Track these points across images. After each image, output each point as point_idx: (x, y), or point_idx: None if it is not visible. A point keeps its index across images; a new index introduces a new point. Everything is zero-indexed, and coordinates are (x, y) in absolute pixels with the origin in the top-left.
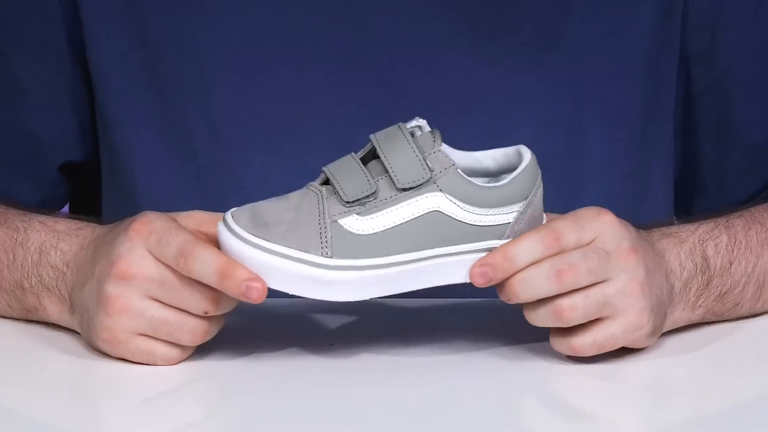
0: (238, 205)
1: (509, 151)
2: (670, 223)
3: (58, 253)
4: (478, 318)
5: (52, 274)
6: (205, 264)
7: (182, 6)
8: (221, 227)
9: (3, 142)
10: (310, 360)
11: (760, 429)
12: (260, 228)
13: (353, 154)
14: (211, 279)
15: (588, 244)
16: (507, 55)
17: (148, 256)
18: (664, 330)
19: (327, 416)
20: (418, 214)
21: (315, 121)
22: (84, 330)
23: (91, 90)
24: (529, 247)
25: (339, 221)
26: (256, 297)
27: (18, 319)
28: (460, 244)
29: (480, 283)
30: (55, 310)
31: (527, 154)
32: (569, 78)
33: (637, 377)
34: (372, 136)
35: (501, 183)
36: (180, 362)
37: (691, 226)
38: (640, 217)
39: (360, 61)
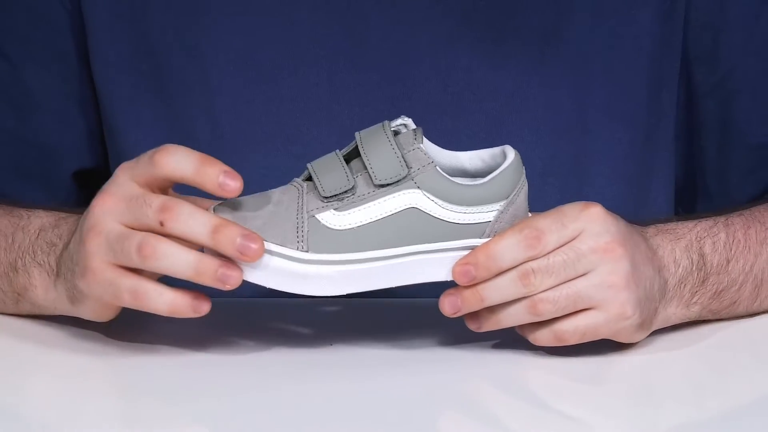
0: None
1: (495, 151)
2: (668, 220)
3: (56, 231)
4: None
5: (45, 249)
6: (180, 156)
7: (185, 11)
8: None
9: (16, 151)
10: (310, 360)
11: None
12: (239, 221)
13: (337, 150)
14: (187, 169)
15: (569, 241)
16: (509, 57)
17: (128, 181)
18: (657, 326)
19: (327, 415)
20: (395, 211)
21: (318, 123)
22: (68, 286)
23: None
24: (510, 247)
25: (316, 216)
26: (232, 189)
27: (12, 315)
28: (438, 241)
29: (463, 281)
30: (42, 288)
31: (511, 154)
32: (571, 80)
33: (628, 378)
34: (357, 134)
35: (481, 181)
36: (145, 305)
37: (689, 223)
38: (642, 219)
39: (362, 63)
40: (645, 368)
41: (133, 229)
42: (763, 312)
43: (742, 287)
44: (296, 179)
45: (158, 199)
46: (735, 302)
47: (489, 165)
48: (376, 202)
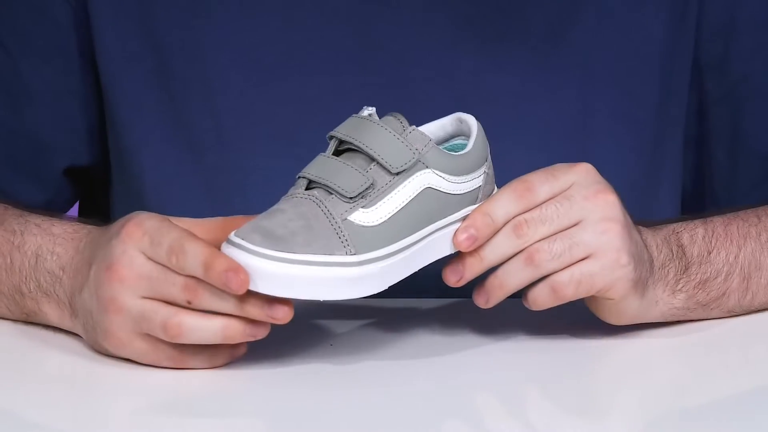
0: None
1: (451, 119)
2: (649, 222)
3: (54, 258)
4: (477, 319)
5: (49, 279)
6: (193, 257)
7: (191, 10)
8: (234, 251)
9: (8, 143)
10: (310, 360)
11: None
12: (278, 242)
13: (322, 154)
14: (198, 271)
15: (561, 192)
16: (514, 59)
17: (141, 257)
18: (646, 306)
19: (327, 416)
20: (415, 194)
21: (320, 125)
22: (89, 334)
23: (101, 95)
24: (504, 202)
25: (349, 218)
26: (236, 287)
27: (17, 321)
28: (448, 215)
29: (466, 246)
30: (54, 315)
31: (471, 119)
32: (577, 83)
33: (625, 379)
34: (333, 133)
35: (467, 150)
36: (188, 368)
37: (665, 221)
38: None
39: (366, 64)
40: (643, 369)
41: (154, 299)
42: (757, 310)
43: (728, 278)
44: (296, 193)
45: (180, 278)
46: (724, 294)
47: (449, 133)
48: (396, 190)
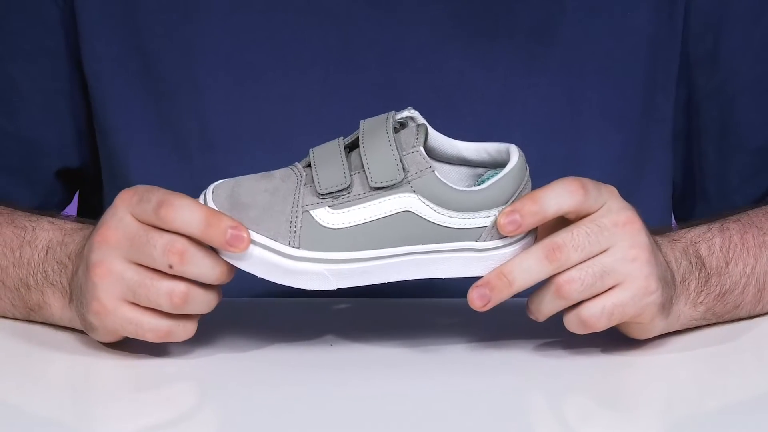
0: None
1: (501, 147)
2: (663, 228)
3: (62, 248)
4: (479, 319)
5: (56, 269)
6: (187, 212)
7: (176, 12)
8: (200, 197)
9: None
10: (310, 360)
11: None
12: (235, 209)
13: (341, 139)
14: (194, 227)
15: (590, 216)
16: (501, 58)
17: (128, 217)
18: (671, 322)
19: (327, 416)
20: (390, 213)
21: (308, 125)
22: (80, 313)
23: (89, 96)
24: (558, 193)
25: (311, 212)
26: (241, 246)
27: (20, 320)
28: (432, 243)
29: (509, 230)
30: (58, 306)
31: (514, 157)
32: (564, 81)
33: (635, 379)
34: (362, 123)
35: (480, 188)
36: (169, 340)
37: (682, 230)
38: None
39: (353, 64)
40: (654, 370)
41: (143, 266)
42: (764, 314)
43: (745, 290)
44: (297, 164)
45: (161, 240)
46: (738, 306)
47: (495, 159)
48: (371, 203)
